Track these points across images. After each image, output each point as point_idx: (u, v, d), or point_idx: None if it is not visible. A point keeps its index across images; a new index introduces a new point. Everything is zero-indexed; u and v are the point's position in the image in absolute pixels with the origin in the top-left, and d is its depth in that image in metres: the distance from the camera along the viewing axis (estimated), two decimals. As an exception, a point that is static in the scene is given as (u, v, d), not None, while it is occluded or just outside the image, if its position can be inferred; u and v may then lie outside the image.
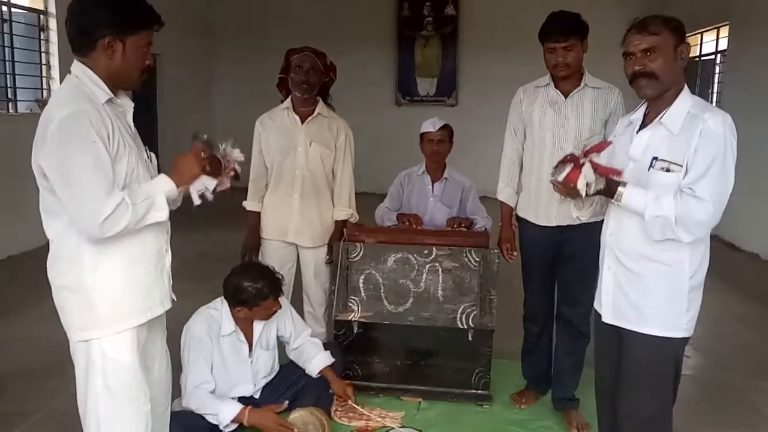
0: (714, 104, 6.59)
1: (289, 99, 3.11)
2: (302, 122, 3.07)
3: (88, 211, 1.66)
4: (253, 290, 2.61)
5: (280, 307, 2.73)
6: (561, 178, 1.92)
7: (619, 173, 1.93)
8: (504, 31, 9.09)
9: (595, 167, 1.90)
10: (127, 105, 1.87)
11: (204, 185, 1.88)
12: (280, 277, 2.74)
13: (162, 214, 1.79)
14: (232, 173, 1.94)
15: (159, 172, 1.93)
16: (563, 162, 1.94)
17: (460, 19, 9.68)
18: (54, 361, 3.33)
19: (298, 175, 3.06)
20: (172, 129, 8.10)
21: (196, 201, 1.90)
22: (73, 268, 1.77)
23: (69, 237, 1.75)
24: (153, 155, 1.97)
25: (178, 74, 8.54)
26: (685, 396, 2.13)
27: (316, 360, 2.85)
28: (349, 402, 2.84)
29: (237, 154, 1.94)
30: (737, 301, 4.76)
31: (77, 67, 1.77)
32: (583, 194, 1.91)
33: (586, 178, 1.89)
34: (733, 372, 3.57)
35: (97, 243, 1.73)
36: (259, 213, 3.16)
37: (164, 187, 1.80)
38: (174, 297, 1.99)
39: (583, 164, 1.89)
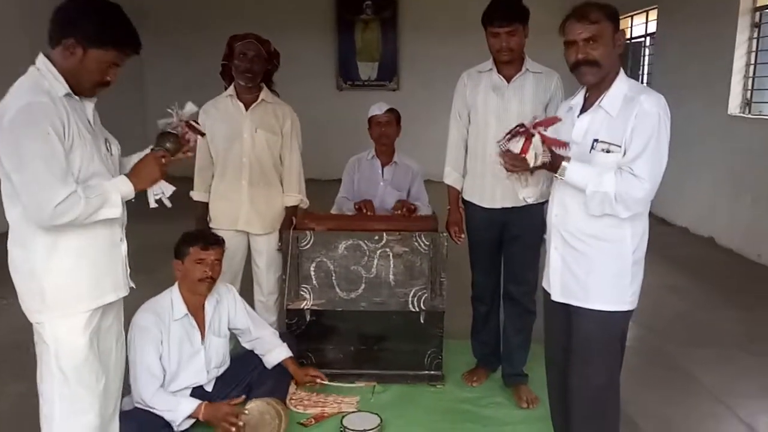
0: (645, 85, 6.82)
1: (232, 86, 3.05)
2: (246, 109, 3.03)
3: (41, 197, 1.71)
4: (182, 239, 2.70)
5: (215, 259, 2.67)
6: (516, 149, 1.94)
7: (565, 145, 2.00)
8: (443, 14, 9.13)
9: (543, 139, 1.95)
10: (86, 100, 1.90)
11: (161, 190, 1.96)
12: (219, 236, 2.77)
13: (115, 210, 1.87)
14: (193, 139, 2.01)
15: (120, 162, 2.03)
16: (514, 134, 1.97)
17: (399, 3, 9.66)
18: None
19: (246, 163, 3.03)
20: (104, 115, 7.81)
21: (152, 204, 1.99)
22: (27, 253, 1.83)
23: (26, 223, 1.80)
24: (115, 147, 2.01)
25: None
26: (625, 365, 2.23)
27: (275, 353, 2.84)
28: (318, 381, 2.87)
29: (189, 108, 2.00)
30: (669, 274, 4.99)
31: (41, 59, 1.81)
32: (531, 164, 1.95)
33: (534, 150, 1.93)
34: (668, 341, 3.77)
35: (50, 231, 1.78)
36: (206, 203, 3.12)
37: (122, 187, 1.88)
38: (132, 284, 2.05)
39: (533, 135, 1.94)
